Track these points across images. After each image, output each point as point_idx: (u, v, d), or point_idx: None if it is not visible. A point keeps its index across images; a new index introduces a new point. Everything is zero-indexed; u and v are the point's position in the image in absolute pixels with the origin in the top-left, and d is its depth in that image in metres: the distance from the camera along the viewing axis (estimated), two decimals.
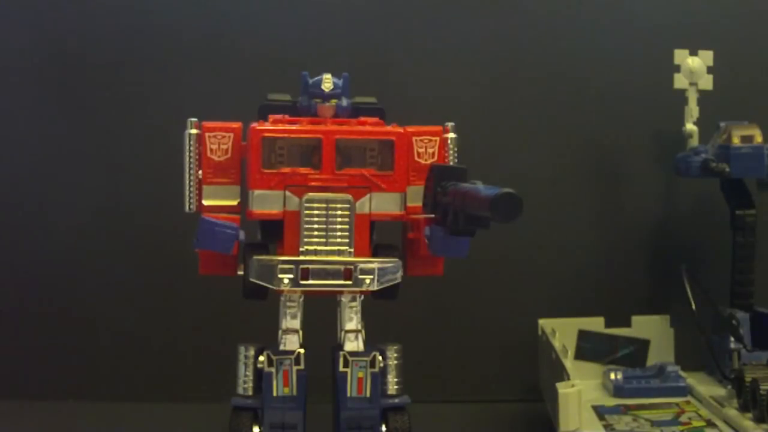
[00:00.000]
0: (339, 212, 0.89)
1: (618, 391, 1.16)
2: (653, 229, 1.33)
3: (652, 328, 1.26)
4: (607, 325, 1.25)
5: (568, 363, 1.01)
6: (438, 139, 0.93)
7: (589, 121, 1.31)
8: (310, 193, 0.89)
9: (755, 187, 1.20)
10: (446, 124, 0.94)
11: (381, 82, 1.17)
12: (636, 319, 1.26)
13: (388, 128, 0.92)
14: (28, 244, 1.27)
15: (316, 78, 0.93)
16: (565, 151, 1.31)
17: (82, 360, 1.27)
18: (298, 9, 1.29)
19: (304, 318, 0.91)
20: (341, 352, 0.91)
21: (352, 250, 0.89)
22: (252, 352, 0.91)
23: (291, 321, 0.91)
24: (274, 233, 0.91)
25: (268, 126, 0.90)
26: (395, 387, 0.92)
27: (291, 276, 0.88)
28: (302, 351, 0.90)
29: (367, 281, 0.89)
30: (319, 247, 0.89)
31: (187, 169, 0.92)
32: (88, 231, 1.27)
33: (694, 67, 1.24)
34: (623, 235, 1.32)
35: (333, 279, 0.89)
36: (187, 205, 0.92)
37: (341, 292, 0.91)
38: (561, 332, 1.16)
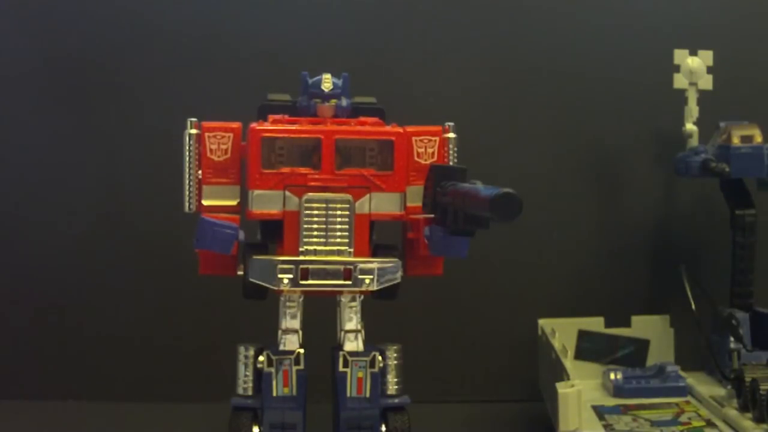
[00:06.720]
0: (339, 212, 0.89)
1: (618, 391, 1.16)
2: (653, 229, 1.32)
3: (651, 328, 1.26)
4: (607, 325, 1.25)
5: (568, 363, 1.01)
6: (438, 139, 0.93)
7: (589, 121, 1.31)
8: (310, 193, 0.89)
9: (755, 186, 1.20)
10: (446, 124, 0.94)
11: (381, 82, 1.17)
12: (636, 319, 1.26)
13: (388, 128, 0.92)
14: (28, 244, 1.27)
15: (315, 78, 0.93)
16: (564, 151, 1.31)
17: (82, 360, 1.27)
18: (297, 9, 1.29)
19: (303, 318, 0.91)
20: (341, 352, 0.91)
21: (351, 250, 0.89)
22: (252, 352, 0.91)
23: (291, 321, 0.91)
24: (274, 233, 0.91)
25: (267, 126, 0.90)
26: (395, 387, 0.92)
27: (290, 276, 0.88)
28: (302, 351, 0.91)
29: (367, 281, 0.89)
30: (318, 247, 0.89)
31: (187, 169, 0.92)
32: (87, 231, 1.27)
33: (694, 67, 1.24)
34: (623, 235, 1.32)
35: (332, 279, 0.89)
36: (186, 205, 0.92)
37: (341, 292, 0.91)
38: (561, 332, 1.15)
